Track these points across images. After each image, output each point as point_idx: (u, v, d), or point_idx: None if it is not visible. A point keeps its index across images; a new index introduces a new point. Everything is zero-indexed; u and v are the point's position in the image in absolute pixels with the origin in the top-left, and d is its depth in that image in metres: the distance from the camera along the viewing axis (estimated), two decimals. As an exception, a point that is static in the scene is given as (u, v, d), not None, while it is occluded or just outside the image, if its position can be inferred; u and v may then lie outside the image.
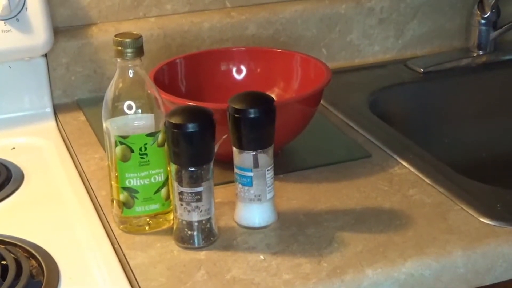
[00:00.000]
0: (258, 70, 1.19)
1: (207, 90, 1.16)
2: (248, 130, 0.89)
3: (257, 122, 0.88)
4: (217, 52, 1.22)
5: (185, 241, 0.89)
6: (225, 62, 1.20)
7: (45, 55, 1.26)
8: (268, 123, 0.90)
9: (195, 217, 0.88)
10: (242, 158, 0.90)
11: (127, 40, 0.87)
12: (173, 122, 0.84)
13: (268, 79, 1.17)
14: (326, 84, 1.05)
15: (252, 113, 0.87)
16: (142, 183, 0.90)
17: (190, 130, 0.84)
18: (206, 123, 0.85)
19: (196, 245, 0.89)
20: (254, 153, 0.90)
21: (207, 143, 0.86)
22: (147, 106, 0.89)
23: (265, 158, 0.90)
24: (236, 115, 0.88)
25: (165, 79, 1.11)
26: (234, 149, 0.91)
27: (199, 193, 0.86)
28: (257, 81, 1.17)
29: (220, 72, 1.19)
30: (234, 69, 1.20)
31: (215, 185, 0.89)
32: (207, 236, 0.89)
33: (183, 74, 1.17)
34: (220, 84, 1.18)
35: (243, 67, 1.20)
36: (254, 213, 0.92)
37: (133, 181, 0.90)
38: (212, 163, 0.87)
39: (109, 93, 0.89)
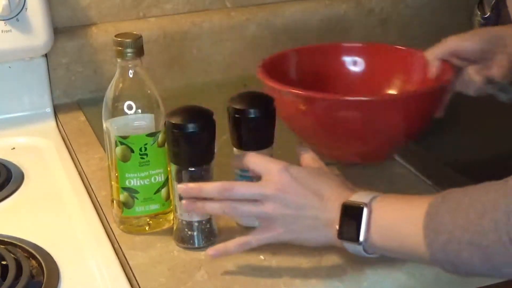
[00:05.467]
0: (376, 65, 1.16)
1: (322, 83, 1.12)
2: (247, 130, 0.89)
3: (257, 122, 0.88)
4: (333, 47, 1.18)
5: (185, 241, 0.89)
6: (341, 56, 1.16)
7: (45, 55, 1.26)
8: (268, 123, 0.90)
9: (195, 217, 0.88)
10: None
11: (127, 40, 0.87)
12: (173, 122, 0.84)
13: (387, 75, 1.14)
14: (448, 82, 1.04)
15: (252, 113, 0.87)
16: (142, 183, 0.90)
17: (190, 130, 0.84)
18: (206, 123, 0.85)
19: (196, 245, 0.89)
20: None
21: (207, 143, 0.86)
22: (147, 106, 0.89)
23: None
24: (236, 115, 0.88)
25: (275, 71, 1.07)
26: (234, 149, 0.91)
27: None
28: (375, 76, 1.15)
29: (336, 66, 1.16)
30: (350, 63, 1.16)
31: (215, 185, 0.89)
32: (207, 236, 0.89)
33: (294, 66, 1.14)
34: (335, 77, 1.15)
35: (360, 61, 1.16)
36: None
37: (133, 181, 0.90)
38: (212, 163, 0.87)
39: (109, 93, 0.89)
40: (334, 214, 0.80)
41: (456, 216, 0.72)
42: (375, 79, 1.13)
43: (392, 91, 1.12)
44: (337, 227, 0.80)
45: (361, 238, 0.78)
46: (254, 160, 0.85)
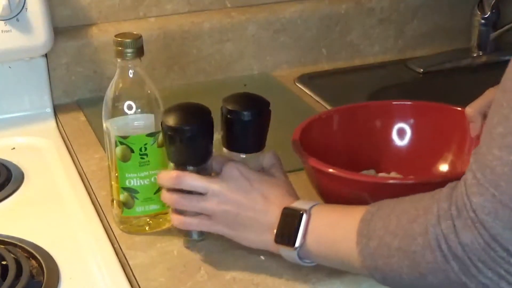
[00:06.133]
0: (426, 130, 1.01)
1: (364, 152, 1.00)
2: (239, 132, 0.86)
3: (249, 125, 0.86)
4: (376, 106, 1.03)
5: (184, 234, 0.89)
6: (384, 119, 1.01)
7: (45, 55, 1.26)
8: (260, 127, 0.87)
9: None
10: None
11: (127, 40, 0.87)
12: (169, 124, 0.83)
13: (439, 142, 0.99)
14: None
15: (245, 115, 0.85)
16: (142, 183, 0.90)
17: (187, 131, 0.83)
18: (203, 124, 0.84)
19: (195, 238, 0.89)
20: (243, 156, 0.88)
21: (204, 143, 0.85)
22: (147, 106, 0.89)
23: (256, 162, 0.88)
24: (228, 116, 0.86)
25: (312, 139, 0.95)
26: (224, 149, 0.89)
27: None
28: (424, 145, 0.99)
29: (378, 131, 1.01)
30: (394, 129, 1.01)
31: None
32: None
33: (335, 130, 1.00)
34: (378, 147, 1.01)
35: (406, 127, 1.01)
36: None
37: (133, 181, 0.90)
38: (209, 162, 0.86)
39: (109, 93, 0.89)
40: (274, 218, 0.81)
41: (388, 222, 0.72)
42: (424, 147, 0.99)
43: (444, 161, 0.98)
44: (275, 231, 0.81)
45: (297, 243, 0.79)
46: (215, 159, 0.86)
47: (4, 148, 1.16)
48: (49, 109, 1.28)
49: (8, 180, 1.05)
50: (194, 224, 0.86)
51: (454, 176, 0.79)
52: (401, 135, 1.00)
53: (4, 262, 0.85)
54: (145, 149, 0.89)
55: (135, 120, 0.89)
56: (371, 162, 0.98)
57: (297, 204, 0.81)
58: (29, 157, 1.13)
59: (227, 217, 0.83)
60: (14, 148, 1.16)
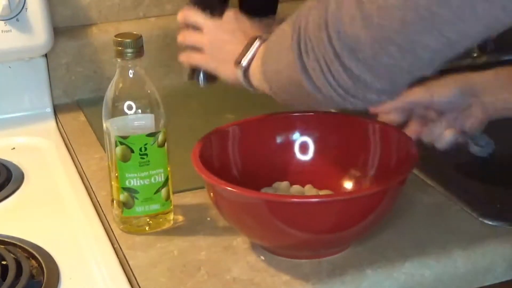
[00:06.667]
0: (331, 143, 0.96)
1: (275, 164, 0.96)
2: None
3: None
4: (276, 119, 0.96)
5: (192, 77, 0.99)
6: (284, 132, 0.96)
7: (45, 55, 1.26)
8: None
9: None
10: None
11: (127, 40, 0.87)
12: None
13: (345, 157, 0.95)
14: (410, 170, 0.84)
15: None
16: (142, 183, 0.90)
17: None
18: None
19: (202, 82, 0.99)
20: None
21: None
22: (147, 106, 0.89)
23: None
24: None
25: (213, 154, 0.91)
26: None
27: None
28: (330, 159, 0.95)
29: (278, 145, 0.96)
30: (297, 143, 0.96)
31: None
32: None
33: (235, 148, 0.94)
34: (281, 162, 0.96)
35: (308, 140, 0.96)
36: None
37: (133, 181, 0.90)
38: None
39: (109, 93, 0.89)
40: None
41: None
42: (329, 162, 0.94)
43: (349, 178, 0.94)
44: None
45: (243, 63, 0.86)
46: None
47: (4, 148, 1.16)
48: (49, 109, 1.28)
49: (8, 180, 1.06)
50: (190, 56, 0.96)
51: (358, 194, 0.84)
52: (305, 149, 0.96)
53: (4, 262, 0.85)
54: (145, 149, 0.89)
55: (135, 120, 0.89)
56: (285, 174, 0.95)
57: (262, 33, 0.86)
58: (29, 157, 1.13)
59: (213, 49, 0.93)
60: (14, 148, 1.16)
